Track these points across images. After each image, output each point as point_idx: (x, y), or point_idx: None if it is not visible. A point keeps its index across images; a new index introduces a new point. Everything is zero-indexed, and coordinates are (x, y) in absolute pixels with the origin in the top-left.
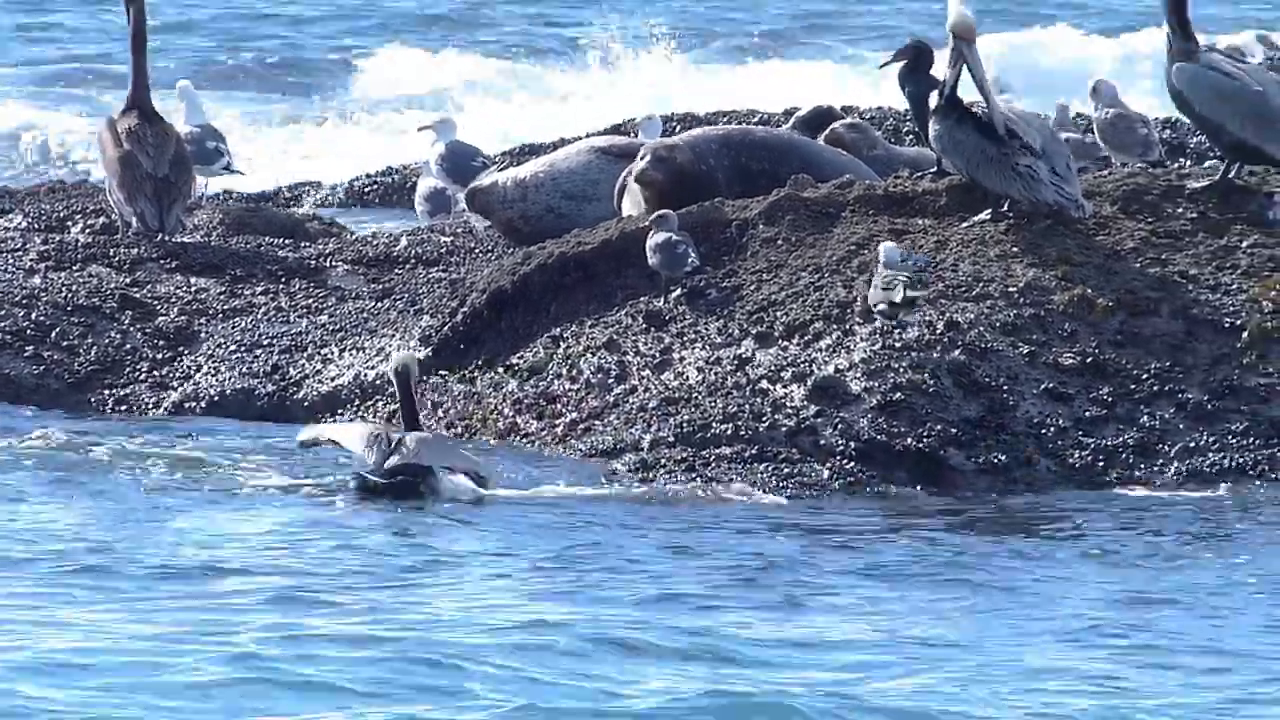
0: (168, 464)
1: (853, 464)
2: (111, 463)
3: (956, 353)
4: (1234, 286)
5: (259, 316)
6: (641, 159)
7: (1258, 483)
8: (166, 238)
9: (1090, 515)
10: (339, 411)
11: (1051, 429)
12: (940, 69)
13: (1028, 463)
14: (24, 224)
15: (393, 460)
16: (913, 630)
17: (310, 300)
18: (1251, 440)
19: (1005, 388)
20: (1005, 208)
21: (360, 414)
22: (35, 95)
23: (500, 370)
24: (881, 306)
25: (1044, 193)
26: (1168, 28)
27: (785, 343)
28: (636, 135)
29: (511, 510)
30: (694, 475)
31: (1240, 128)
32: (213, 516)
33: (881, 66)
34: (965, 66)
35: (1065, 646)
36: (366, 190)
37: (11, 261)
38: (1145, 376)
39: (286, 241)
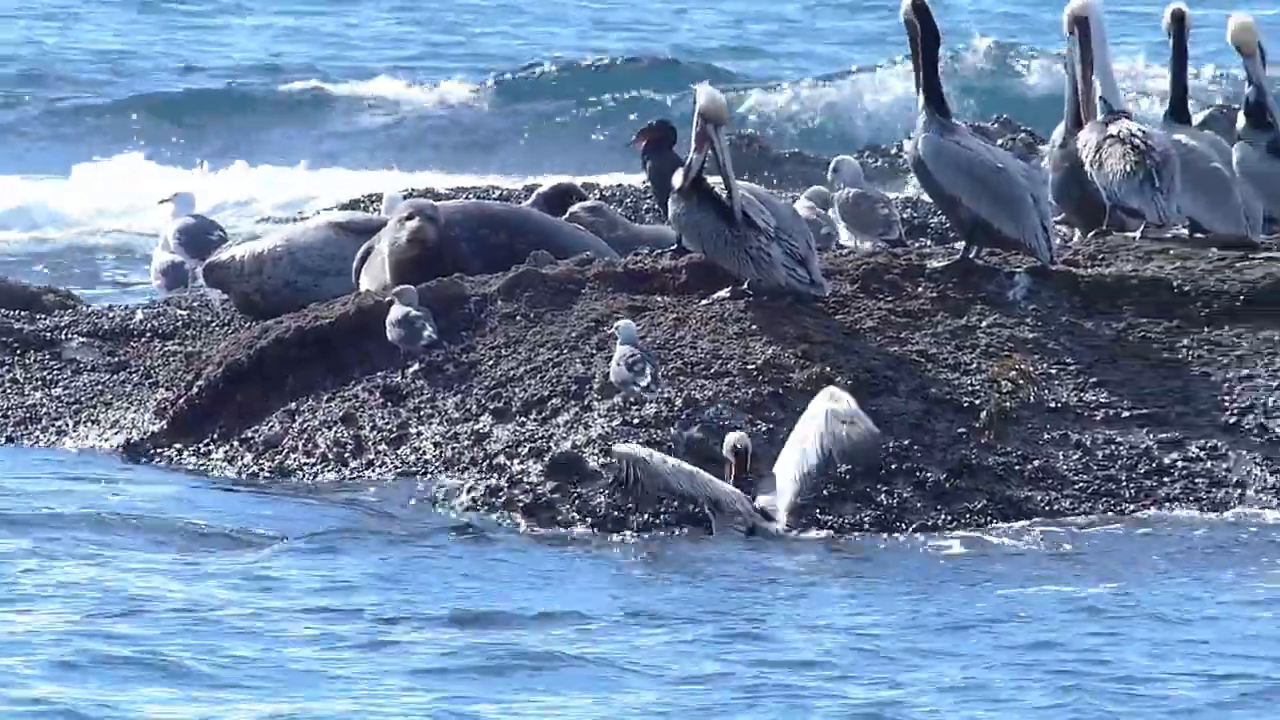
0: None
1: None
2: None
3: (694, 430)
4: (973, 366)
5: None
6: (408, 219)
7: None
8: None
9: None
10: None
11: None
12: (683, 148)
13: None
14: None
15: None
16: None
17: (45, 373)
18: (989, 519)
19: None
20: (745, 286)
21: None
22: None
23: (235, 443)
24: (631, 388)
25: (776, 275)
26: (921, 99)
27: (523, 418)
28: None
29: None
30: None
31: (976, 203)
32: None
33: (629, 144)
34: (711, 149)
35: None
36: None
37: None
38: (883, 455)
39: (22, 313)
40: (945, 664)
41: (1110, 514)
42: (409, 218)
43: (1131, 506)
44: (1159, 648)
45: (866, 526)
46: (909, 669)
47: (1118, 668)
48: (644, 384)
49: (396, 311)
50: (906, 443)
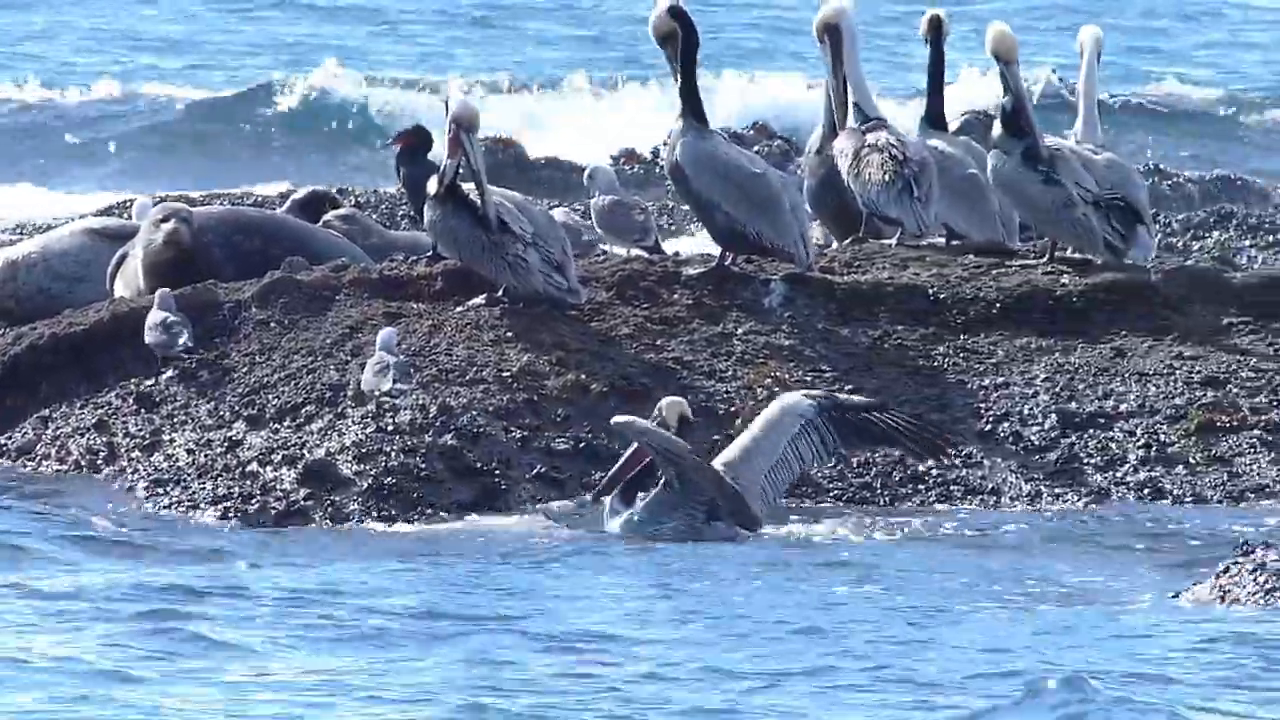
0: None
1: None
2: None
3: (449, 437)
4: (729, 373)
5: None
6: (163, 222)
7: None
8: None
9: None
10: None
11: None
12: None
13: None
14: None
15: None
16: None
17: None
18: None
19: (498, 472)
20: (501, 292)
21: None
22: None
23: None
24: (375, 392)
25: (534, 281)
26: (680, 105)
27: (277, 425)
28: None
29: None
30: None
31: (734, 207)
32: None
33: (383, 146)
34: (464, 155)
35: None
36: None
37: None
38: None
39: None
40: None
41: (866, 520)
42: (164, 220)
43: (888, 513)
44: (908, 645)
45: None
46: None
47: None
48: (385, 388)
49: (155, 315)
50: None
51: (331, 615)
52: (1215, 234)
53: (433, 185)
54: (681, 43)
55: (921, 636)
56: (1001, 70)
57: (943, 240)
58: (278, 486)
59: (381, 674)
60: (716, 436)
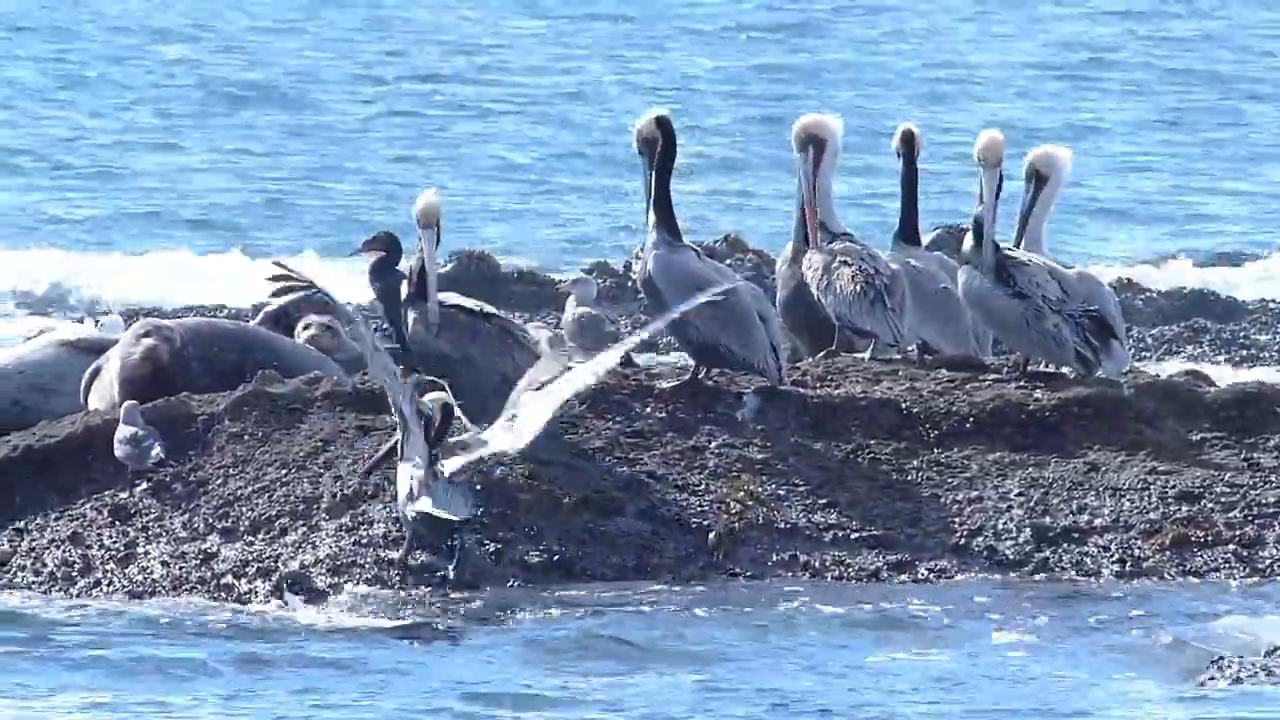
0: None
1: None
2: None
3: (422, 551)
4: (701, 487)
5: None
6: (144, 337)
7: None
8: None
9: None
10: None
11: None
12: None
13: None
14: None
15: None
16: None
17: None
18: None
19: (473, 584)
20: None
21: None
22: None
23: None
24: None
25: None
26: (653, 217)
27: (251, 538)
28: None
29: None
30: None
31: (706, 321)
32: None
33: (352, 254)
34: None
35: None
36: None
37: None
38: (611, 575)
39: None
40: None
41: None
42: (145, 335)
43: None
44: None
45: None
46: None
47: None
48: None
49: (124, 430)
50: (634, 564)
51: None
52: (1188, 349)
53: (404, 292)
54: (660, 152)
55: None
56: (985, 176)
57: (916, 354)
58: (253, 599)
59: None
60: (690, 550)
